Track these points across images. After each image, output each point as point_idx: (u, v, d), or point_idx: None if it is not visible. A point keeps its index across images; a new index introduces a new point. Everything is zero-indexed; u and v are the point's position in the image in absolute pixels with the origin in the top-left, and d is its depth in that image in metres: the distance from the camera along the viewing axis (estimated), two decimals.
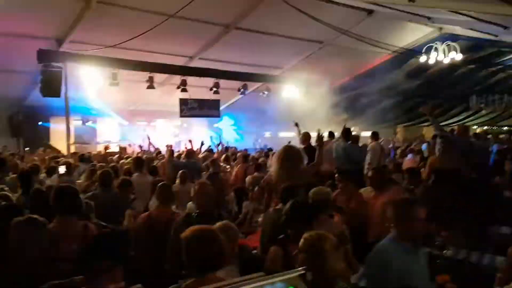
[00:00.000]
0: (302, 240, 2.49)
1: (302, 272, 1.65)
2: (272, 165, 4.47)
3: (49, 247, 2.80)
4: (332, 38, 13.21)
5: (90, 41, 11.14)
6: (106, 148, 13.41)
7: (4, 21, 9.84)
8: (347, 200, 4.51)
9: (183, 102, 14.82)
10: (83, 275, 2.14)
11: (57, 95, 11.02)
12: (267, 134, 19.86)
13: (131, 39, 10.67)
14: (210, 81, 14.00)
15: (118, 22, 10.43)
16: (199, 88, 14.31)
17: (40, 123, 14.59)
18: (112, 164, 8.39)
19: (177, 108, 15.02)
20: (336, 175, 4.97)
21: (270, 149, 12.39)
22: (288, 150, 4.38)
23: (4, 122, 13.87)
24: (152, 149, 10.80)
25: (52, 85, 10.84)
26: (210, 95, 14.70)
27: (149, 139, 10.73)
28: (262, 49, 13.47)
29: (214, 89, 14.16)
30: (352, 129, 8.60)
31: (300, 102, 14.91)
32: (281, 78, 15.67)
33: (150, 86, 12.85)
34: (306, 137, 7.66)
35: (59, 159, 8.45)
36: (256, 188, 6.42)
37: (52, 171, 7.25)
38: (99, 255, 2.14)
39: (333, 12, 11.25)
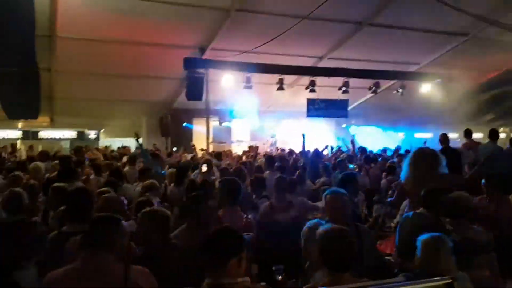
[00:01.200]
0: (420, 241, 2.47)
1: (449, 281, 1.56)
2: (405, 168, 4.23)
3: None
4: (478, 29, 11.90)
5: (227, 48, 11.99)
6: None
7: (157, 33, 11.23)
8: (496, 208, 4.04)
9: (310, 102, 14.95)
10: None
11: (199, 98, 12.19)
12: (401, 135, 18.79)
13: (265, 43, 11.18)
14: (339, 81, 13.85)
15: (253, 27, 11.02)
16: (328, 88, 14.26)
17: (184, 124, 16.20)
18: (244, 161, 8.88)
19: (304, 109, 15.22)
20: (482, 181, 4.48)
21: (399, 150, 11.71)
22: (421, 152, 4.11)
23: (155, 123, 15.77)
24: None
25: (195, 89, 12.04)
26: (339, 95, 14.55)
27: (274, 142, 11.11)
28: (397, 45, 12.84)
29: (343, 88, 13.98)
30: (501, 130, 7.66)
31: (439, 100, 13.80)
32: (418, 74, 14.70)
33: (280, 88, 13.28)
34: (444, 138, 7.13)
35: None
36: (389, 192, 6.17)
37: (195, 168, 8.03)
38: (212, 249, 2.24)
39: (480, 1, 10.13)
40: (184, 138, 15.76)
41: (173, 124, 15.84)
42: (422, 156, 3.95)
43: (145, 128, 16.09)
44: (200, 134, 15.19)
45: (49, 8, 9.32)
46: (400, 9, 10.78)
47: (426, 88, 14.64)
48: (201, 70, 11.96)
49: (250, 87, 12.73)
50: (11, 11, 9.11)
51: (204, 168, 7.49)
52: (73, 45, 10.85)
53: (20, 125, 14.41)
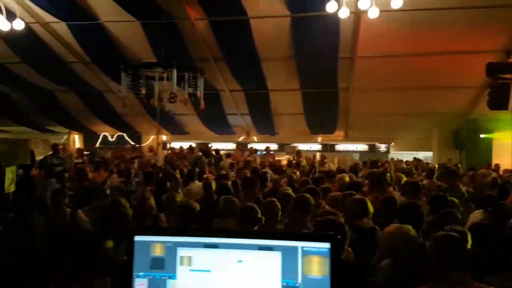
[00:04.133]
0: None
1: None
2: None
3: None
4: None
5: None
6: None
7: (452, 41, 10.55)
8: None
9: None
10: None
11: (504, 107, 10.64)
12: None
13: None
14: None
15: None
16: None
17: (482, 136, 14.50)
18: None
19: None
20: None
21: None
22: None
23: (447, 135, 14.82)
24: None
25: (499, 97, 10.57)
26: None
27: None
28: None
29: None
30: None
31: None
32: None
33: None
34: None
35: None
36: None
37: None
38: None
39: None
40: (481, 152, 14.11)
41: (468, 137, 14.51)
42: None
43: (435, 141, 15.36)
44: (502, 148, 13.30)
45: (352, 32, 10.18)
46: None
47: None
48: (508, 76, 10.41)
49: None
50: (317, 40, 10.54)
51: None
52: (370, 63, 11.50)
53: (319, 139, 16.40)
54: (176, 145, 16.48)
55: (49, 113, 15.63)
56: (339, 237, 1.46)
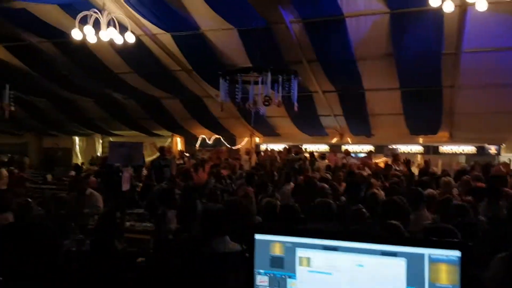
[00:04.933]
0: None
1: None
2: None
3: None
4: None
5: None
6: None
7: None
8: None
9: None
10: None
11: None
12: None
13: None
14: None
15: None
16: None
17: None
18: None
19: None
20: None
21: None
22: None
23: None
24: None
25: None
26: None
27: None
28: None
29: None
30: None
31: None
32: None
33: None
34: None
35: None
36: None
37: None
38: None
39: None
40: None
41: None
42: None
43: None
44: None
45: (456, 26, 9.45)
46: None
47: None
48: None
49: None
50: (419, 36, 9.91)
51: None
52: (477, 58, 10.57)
53: (421, 140, 15.41)
54: (268, 147, 16.77)
55: (155, 118, 16.93)
56: (470, 244, 1.36)
